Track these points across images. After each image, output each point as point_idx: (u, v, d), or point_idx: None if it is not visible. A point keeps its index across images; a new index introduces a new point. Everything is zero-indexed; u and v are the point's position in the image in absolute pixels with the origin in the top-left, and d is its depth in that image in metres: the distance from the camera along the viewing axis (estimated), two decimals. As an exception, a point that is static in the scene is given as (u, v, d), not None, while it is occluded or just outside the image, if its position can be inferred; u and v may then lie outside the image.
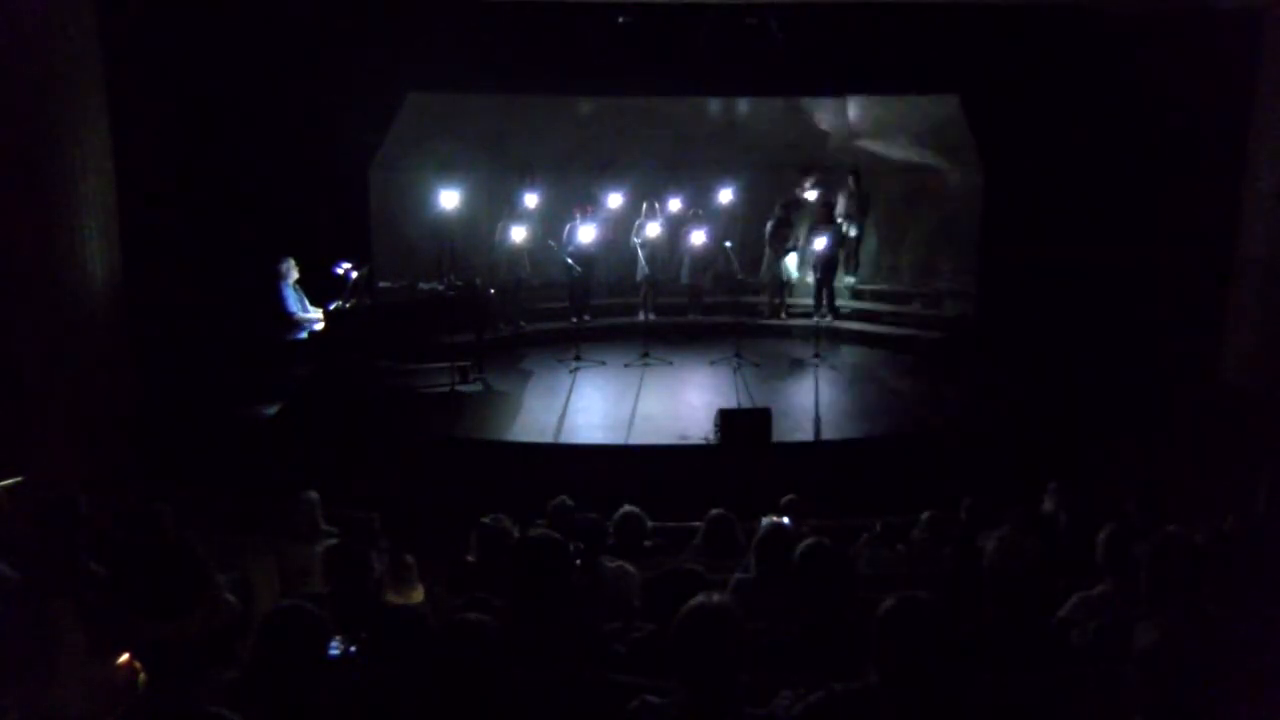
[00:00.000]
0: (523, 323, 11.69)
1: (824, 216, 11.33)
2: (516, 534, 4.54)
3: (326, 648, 2.73)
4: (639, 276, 11.69)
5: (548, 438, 8.40)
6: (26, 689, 3.22)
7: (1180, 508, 5.54)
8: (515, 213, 11.10)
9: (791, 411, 8.98)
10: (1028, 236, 10.96)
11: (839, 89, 12.25)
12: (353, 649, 3.03)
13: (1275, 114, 9.06)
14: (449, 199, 10.48)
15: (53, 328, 7.56)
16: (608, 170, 12.36)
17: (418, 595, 5.10)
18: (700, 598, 2.50)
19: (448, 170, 11.00)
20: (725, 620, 2.41)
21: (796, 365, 10.74)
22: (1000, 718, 2.89)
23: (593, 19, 10.06)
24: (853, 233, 12.06)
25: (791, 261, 11.95)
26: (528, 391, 9.73)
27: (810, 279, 11.74)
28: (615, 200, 11.90)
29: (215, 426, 8.56)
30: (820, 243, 10.99)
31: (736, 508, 5.82)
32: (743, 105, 13.03)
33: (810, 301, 11.98)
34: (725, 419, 8.13)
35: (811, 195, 11.90)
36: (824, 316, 11.81)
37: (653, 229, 11.45)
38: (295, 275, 9.46)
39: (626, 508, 5.75)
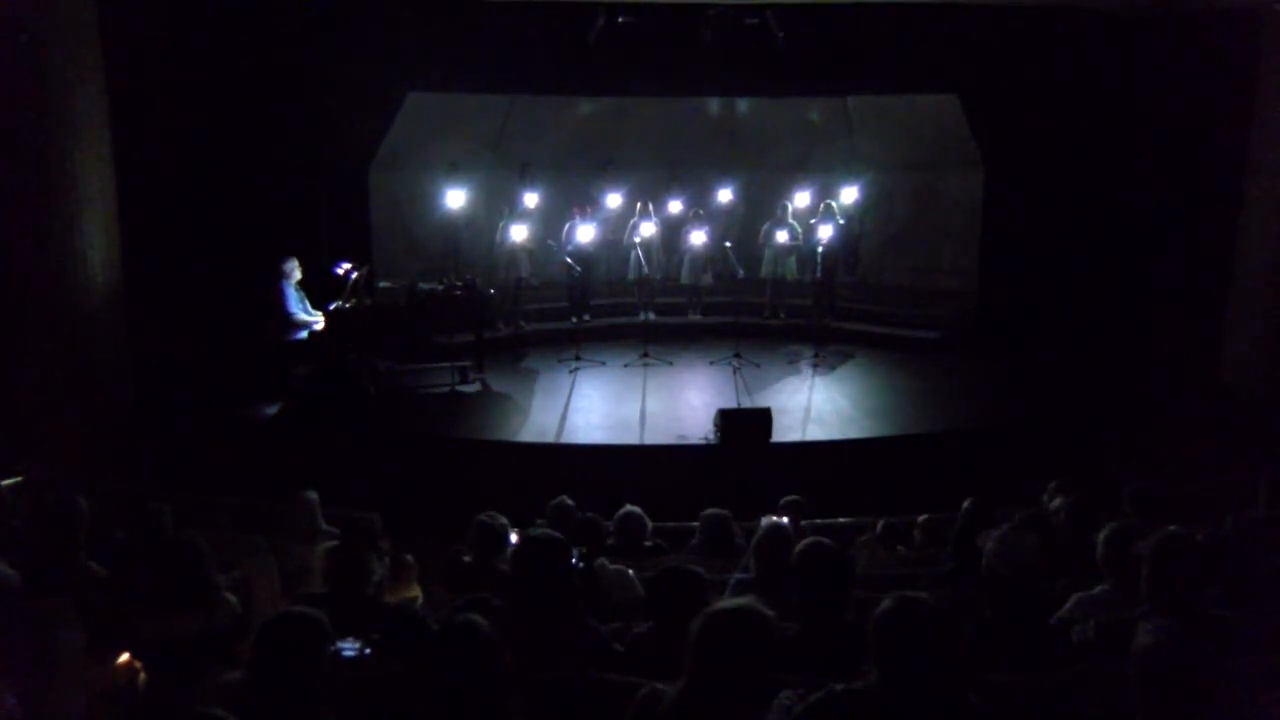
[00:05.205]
0: (523, 323, 11.68)
1: (823, 216, 11.32)
2: (513, 532, 4.55)
3: (326, 653, 2.72)
4: (630, 276, 11.74)
5: (548, 438, 8.40)
6: (26, 689, 3.22)
7: (1180, 508, 5.53)
8: (515, 213, 11.09)
9: (791, 411, 8.97)
10: (1028, 236, 10.98)
11: (839, 89, 12.24)
12: (367, 651, 3.02)
13: (1275, 114, 9.06)
14: (455, 198, 10.47)
15: (53, 328, 7.56)
16: (607, 170, 12.35)
17: (417, 595, 5.10)
18: (737, 600, 2.49)
19: (448, 170, 11.00)
20: (758, 626, 2.40)
21: (796, 365, 10.73)
22: (1000, 718, 2.89)
23: (593, 19, 10.04)
24: (852, 232, 12.05)
25: (791, 261, 11.94)
26: (528, 392, 9.72)
27: (810, 279, 11.73)
28: (614, 200, 11.90)
29: (215, 426, 8.56)
30: (820, 242, 10.98)
31: (736, 508, 5.82)
32: (743, 105, 13.03)
33: (809, 301, 11.97)
34: (725, 419, 8.12)
35: (811, 195, 11.89)
36: (824, 316, 11.80)
37: (647, 229, 11.44)
38: (298, 275, 9.46)
39: (627, 507, 5.76)
